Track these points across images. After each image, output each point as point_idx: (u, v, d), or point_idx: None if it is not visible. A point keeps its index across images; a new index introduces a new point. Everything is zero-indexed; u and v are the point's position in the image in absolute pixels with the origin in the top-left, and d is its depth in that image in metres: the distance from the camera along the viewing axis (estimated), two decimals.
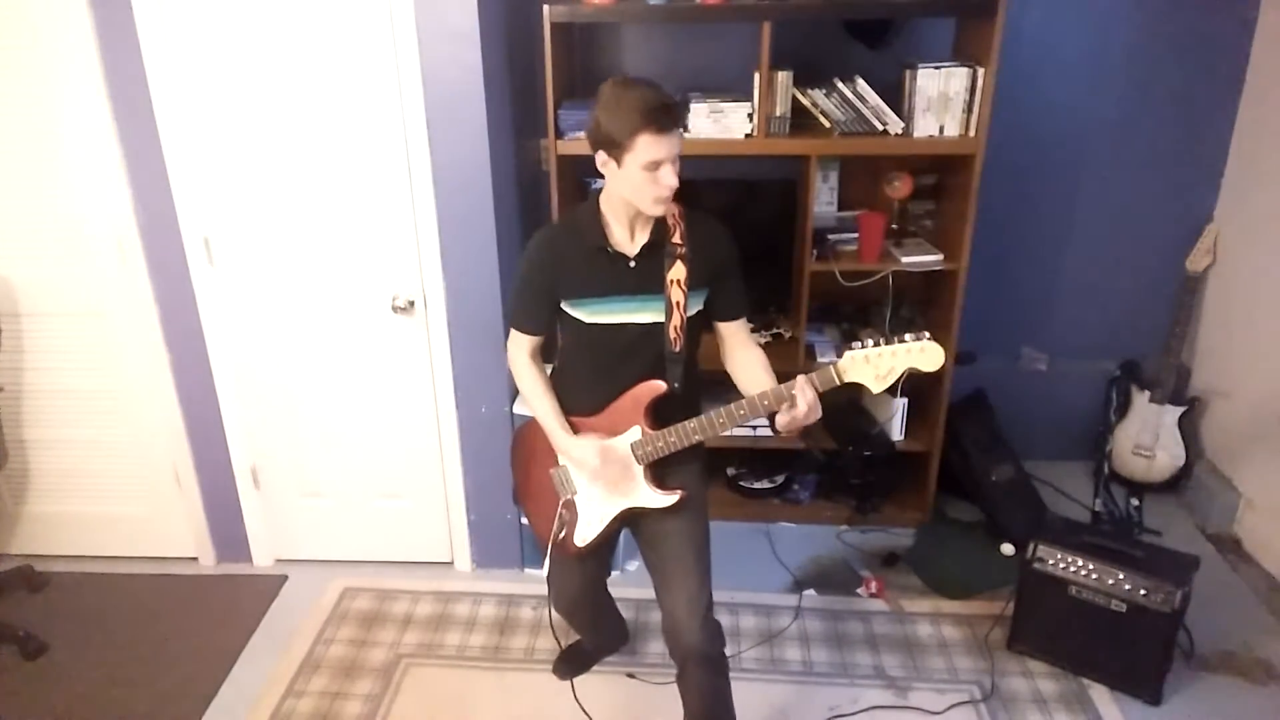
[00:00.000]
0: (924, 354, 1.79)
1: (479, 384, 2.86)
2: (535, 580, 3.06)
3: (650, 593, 2.82)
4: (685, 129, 1.83)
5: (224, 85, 2.58)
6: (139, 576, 3.10)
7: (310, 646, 2.77)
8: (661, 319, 1.93)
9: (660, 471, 2.03)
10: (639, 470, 2.01)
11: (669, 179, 1.79)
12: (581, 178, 3.15)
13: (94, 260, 2.79)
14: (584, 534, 2.11)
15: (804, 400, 1.80)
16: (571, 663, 2.63)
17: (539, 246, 1.99)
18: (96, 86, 2.57)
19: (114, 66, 2.56)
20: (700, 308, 1.98)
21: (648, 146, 1.75)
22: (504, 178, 2.75)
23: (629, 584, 2.67)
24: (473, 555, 3.11)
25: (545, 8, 2.68)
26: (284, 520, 3.12)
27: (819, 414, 1.83)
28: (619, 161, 1.79)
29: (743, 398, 1.91)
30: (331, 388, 2.91)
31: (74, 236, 2.77)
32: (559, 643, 2.55)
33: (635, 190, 1.82)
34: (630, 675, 2.63)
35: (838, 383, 1.82)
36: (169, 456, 3.02)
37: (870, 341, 1.81)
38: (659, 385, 1.96)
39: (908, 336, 1.80)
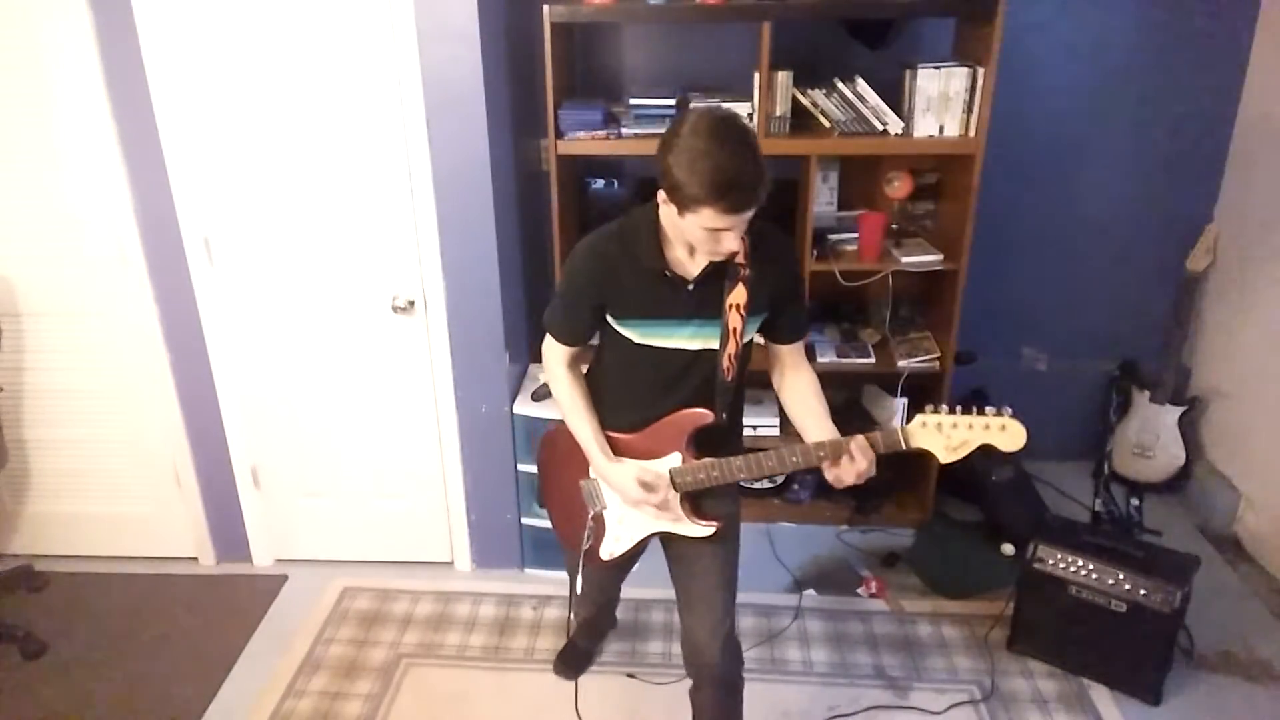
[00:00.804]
0: (1004, 433, 1.66)
1: (479, 384, 2.86)
2: (535, 580, 3.06)
3: (650, 592, 2.84)
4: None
5: (224, 86, 2.57)
6: (139, 576, 3.10)
7: (310, 646, 2.77)
8: (715, 345, 1.80)
9: (697, 499, 1.94)
10: (675, 497, 1.91)
11: (730, 244, 1.64)
12: (582, 178, 3.16)
13: (94, 260, 2.79)
14: (611, 549, 2.06)
15: (863, 461, 1.71)
16: (570, 663, 2.64)
17: (587, 257, 1.83)
18: (96, 86, 2.57)
19: (114, 66, 2.56)
20: (756, 331, 1.86)
21: (711, 219, 1.58)
22: (504, 178, 2.75)
23: (629, 584, 2.67)
24: (473, 555, 3.11)
25: (545, 8, 2.68)
26: (284, 520, 3.12)
27: (874, 473, 1.72)
28: (680, 211, 1.62)
29: (789, 434, 1.83)
30: (331, 387, 2.91)
31: (74, 236, 2.77)
32: (568, 632, 2.55)
33: (693, 239, 1.68)
34: (630, 675, 2.63)
35: (903, 448, 1.71)
36: (169, 456, 3.02)
37: (945, 409, 1.69)
38: (706, 415, 1.84)
39: (988, 410, 1.67)
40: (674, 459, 1.89)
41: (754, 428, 3.18)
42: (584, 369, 2.02)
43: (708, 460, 1.86)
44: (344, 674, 2.66)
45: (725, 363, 1.81)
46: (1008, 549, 3.12)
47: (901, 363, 3.09)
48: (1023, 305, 3.50)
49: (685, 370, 1.84)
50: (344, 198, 2.68)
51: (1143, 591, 2.42)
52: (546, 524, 2.62)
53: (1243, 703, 2.52)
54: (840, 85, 2.84)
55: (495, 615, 2.90)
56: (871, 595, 2.96)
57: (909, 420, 1.72)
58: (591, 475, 2.01)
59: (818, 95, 2.85)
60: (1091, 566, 2.49)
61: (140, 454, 3.04)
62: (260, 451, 3.02)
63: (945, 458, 1.70)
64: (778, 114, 2.83)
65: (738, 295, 1.77)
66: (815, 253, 3.01)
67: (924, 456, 3.22)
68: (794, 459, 1.79)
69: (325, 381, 2.91)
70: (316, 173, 2.65)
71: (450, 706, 2.55)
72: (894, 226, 3.19)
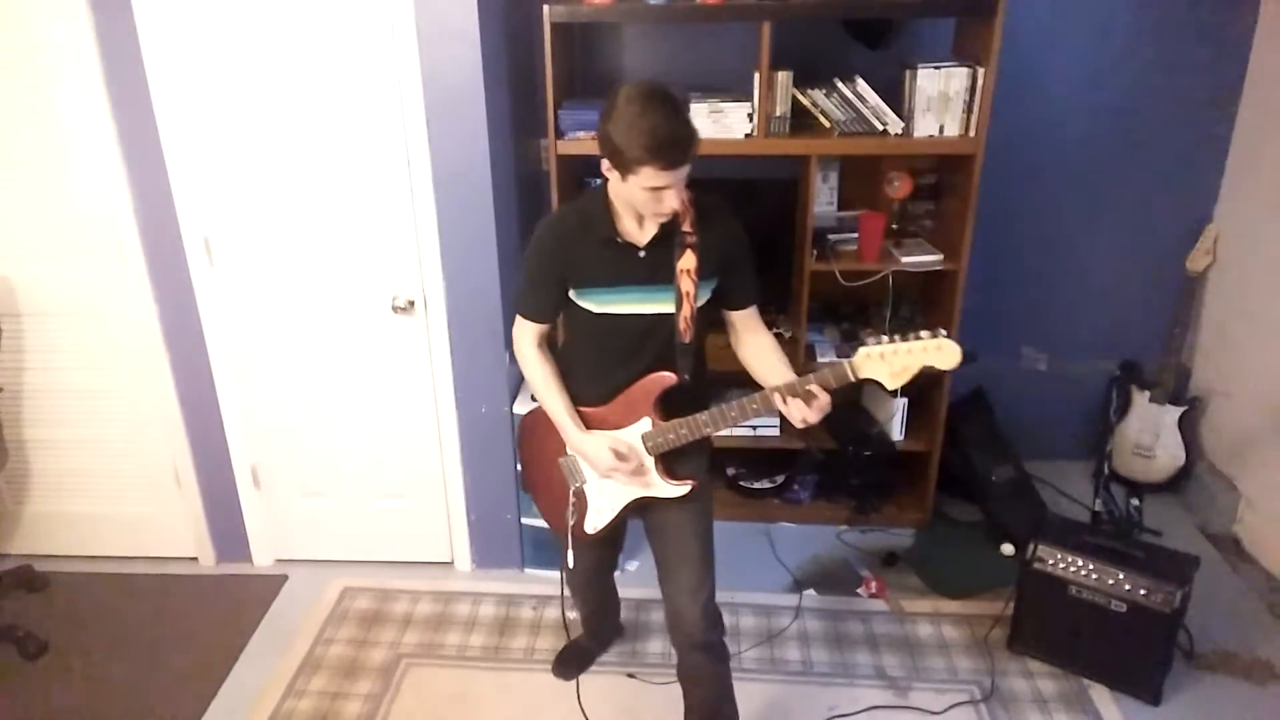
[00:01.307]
0: (940, 352, 1.76)
1: (479, 384, 2.86)
2: (535, 580, 3.06)
3: (651, 592, 2.83)
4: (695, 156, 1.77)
5: (224, 85, 2.58)
6: (139, 576, 3.10)
7: (310, 646, 2.77)
8: (671, 309, 1.91)
9: (670, 461, 2.03)
10: (650, 461, 2.01)
11: (671, 202, 1.77)
12: (582, 178, 3.16)
13: (94, 260, 2.79)
14: (594, 522, 2.12)
15: (819, 398, 1.80)
16: (570, 663, 2.64)
17: (547, 232, 1.96)
18: (96, 86, 2.57)
19: (114, 66, 2.56)
20: (709, 297, 1.96)
21: (651, 177, 1.71)
22: (504, 178, 2.75)
23: (629, 584, 2.67)
24: (473, 555, 3.11)
25: (545, 8, 2.68)
26: (284, 520, 3.12)
27: (828, 409, 1.82)
28: (622, 176, 1.76)
29: (754, 389, 1.89)
30: (331, 388, 2.91)
31: (74, 236, 2.77)
32: (568, 633, 2.56)
33: (636, 203, 1.81)
34: (630, 675, 2.63)
35: (852, 379, 1.80)
36: (169, 456, 3.02)
37: (885, 338, 1.78)
38: (669, 377, 1.94)
39: (924, 334, 1.76)
40: (644, 424, 1.98)
41: (754, 427, 3.19)
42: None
43: (675, 420, 1.95)
44: (344, 674, 2.66)
45: (682, 325, 1.91)
46: (1008, 549, 3.12)
47: None
48: (1023, 305, 3.50)
49: (644, 336, 1.94)
50: (344, 198, 2.68)
51: (1143, 591, 2.42)
52: (547, 524, 2.62)
53: (1243, 703, 2.52)
54: (840, 85, 2.84)
55: (495, 615, 2.90)
56: (871, 595, 2.96)
57: (854, 354, 1.80)
58: (569, 452, 2.08)
59: (818, 95, 2.85)
60: (1091, 566, 2.49)
61: (140, 454, 3.04)
62: (260, 451, 3.02)
63: (891, 384, 1.79)
64: (778, 114, 2.83)
65: (687, 261, 1.88)
66: (815, 253, 3.01)
67: (922, 456, 3.24)
68: (754, 406, 1.87)
69: (325, 381, 2.91)
70: (316, 173, 2.65)
71: (450, 706, 2.55)
72: (894, 226, 3.19)
